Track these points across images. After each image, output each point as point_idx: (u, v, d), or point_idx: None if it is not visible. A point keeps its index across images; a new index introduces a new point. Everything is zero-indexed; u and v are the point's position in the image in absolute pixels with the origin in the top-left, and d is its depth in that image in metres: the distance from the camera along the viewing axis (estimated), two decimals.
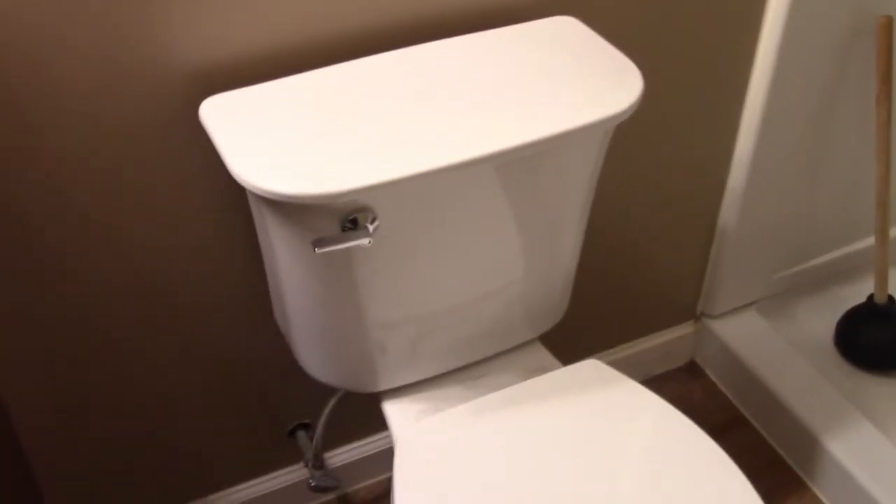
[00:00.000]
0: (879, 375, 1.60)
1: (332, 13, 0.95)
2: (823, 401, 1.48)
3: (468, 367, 1.09)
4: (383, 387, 1.05)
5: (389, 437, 1.42)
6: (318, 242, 0.83)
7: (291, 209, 0.84)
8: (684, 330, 1.60)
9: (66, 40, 0.85)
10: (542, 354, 1.12)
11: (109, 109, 0.91)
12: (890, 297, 1.57)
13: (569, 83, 0.92)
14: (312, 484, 1.26)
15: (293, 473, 1.36)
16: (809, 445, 1.44)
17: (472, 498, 0.90)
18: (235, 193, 1.03)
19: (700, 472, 0.94)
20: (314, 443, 1.27)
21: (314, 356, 1.03)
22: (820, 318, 1.68)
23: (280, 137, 0.84)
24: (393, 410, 1.05)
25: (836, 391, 1.49)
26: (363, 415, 1.36)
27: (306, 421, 1.31)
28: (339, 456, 1.38)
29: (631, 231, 1.39)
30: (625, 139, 1.25)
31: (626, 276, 1.45)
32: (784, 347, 1.58)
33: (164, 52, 0.90)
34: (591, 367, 1.05)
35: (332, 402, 1.22)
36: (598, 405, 1.01)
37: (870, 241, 1.61)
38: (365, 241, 0.84)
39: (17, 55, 0.84)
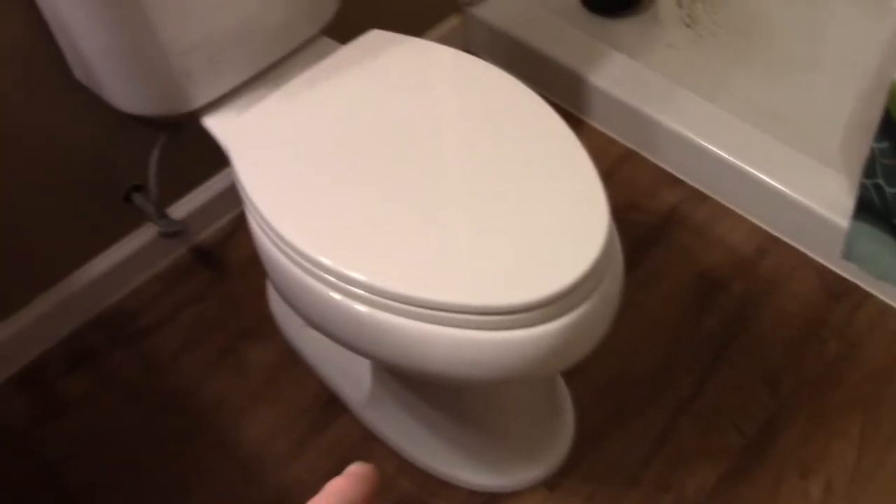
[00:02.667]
0: (620, 18, 1.83)
1: None
2: (582, 47, 1.69)
3: (269, 70, 1.19)
4: (196, 104, 1.13)
5: (222, 178, 1.52)
6: None
7: None
8: (452, 23, 1.75)
9: None
10: (331, 44, 1.23)
11: None
12: None
13: None
14: (161, 231, 1.35)
15: (141, 236, 1.44)
16: (578, 86, 1.67)
17: (309, 162, 1.02)
18: None
19: (503, 99, 1.07)
20: (152, 199, 1.35)
21: (126, 92, 1.10)
22: None
23: None
24: (213, 122, 1.14)
25: (591, 38, 1.71)
26: (191, 162, 1.44)
27: (138, 182, 1.38)
28: (181, 208, 1.47)
29: None
30: None
31: None
32: (540, 14, 1.76)
33: None
34: (375, 35, 1.17)
35: (155, 153, 1.30)
36: (396, 63, 1.13)
37: None
38: None
39: None
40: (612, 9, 1.83)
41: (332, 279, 0.92)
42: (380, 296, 0.90)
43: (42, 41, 1.13)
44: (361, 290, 0.91)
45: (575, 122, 1.70)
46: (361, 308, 0.92)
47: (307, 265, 0.94)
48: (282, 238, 0.95)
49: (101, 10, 0.99)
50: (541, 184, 0.98)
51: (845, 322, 1.41)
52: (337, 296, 0.93)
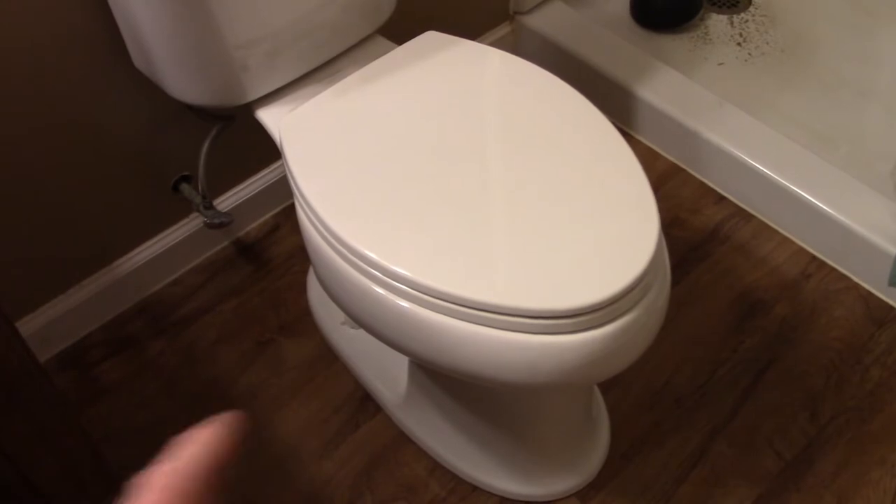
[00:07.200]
0: (671, 34, 1.83)
1: None
2: (631, 61, 1.68)
3: (324, 67, 1.20)
4: (252, 97, 1.15)
5: (268, 175, 1.53)
6: None
7: None
8: (503, 30, 1.75)
9: None
10: (386, 43, 1.23)
11: None
12: None
13: None
14: (207, 222, 1.36)
15: (186, 226, 1.46)
16: (626, 99, 1.66)
17: (361, 158, 1.02)
18: None
19: (556, 104, 1.08)
20: (200, 189, 1.36)
21: (184, 82, 1.11)
22: None
23: None
24: (266, 115, 1.15)
25: (641, 52, 1.70)
26: (238, 157, 1.45)
27: (186, 173, 1.40)
28: (225, 202, 1.48)
29: None
30: None
31: None
32: (592, 27, 1.76)
33: None
34: (431, 37, 1.18)
35: (206, 145, 1.31)
36: (451, 64, 1.13)
37: None
38: None
39: None
40: (663, 24, 1.82)
41: (376, 273, 0.92)
42: (423, 293, 0.90)
43: (104, 28, 1.15)
44: (405, 285, 0.91)
45: (621, 134, 1.69)
46: (404, 304, 0.92)
47: (352, 258, 0.94)
48: (329, 229, 0.95)
49: (167, 3, 1.00)
50: (591, 190, 0.97)
51: (888, 349, 1.38)
52: (380, 290, 0.93)
